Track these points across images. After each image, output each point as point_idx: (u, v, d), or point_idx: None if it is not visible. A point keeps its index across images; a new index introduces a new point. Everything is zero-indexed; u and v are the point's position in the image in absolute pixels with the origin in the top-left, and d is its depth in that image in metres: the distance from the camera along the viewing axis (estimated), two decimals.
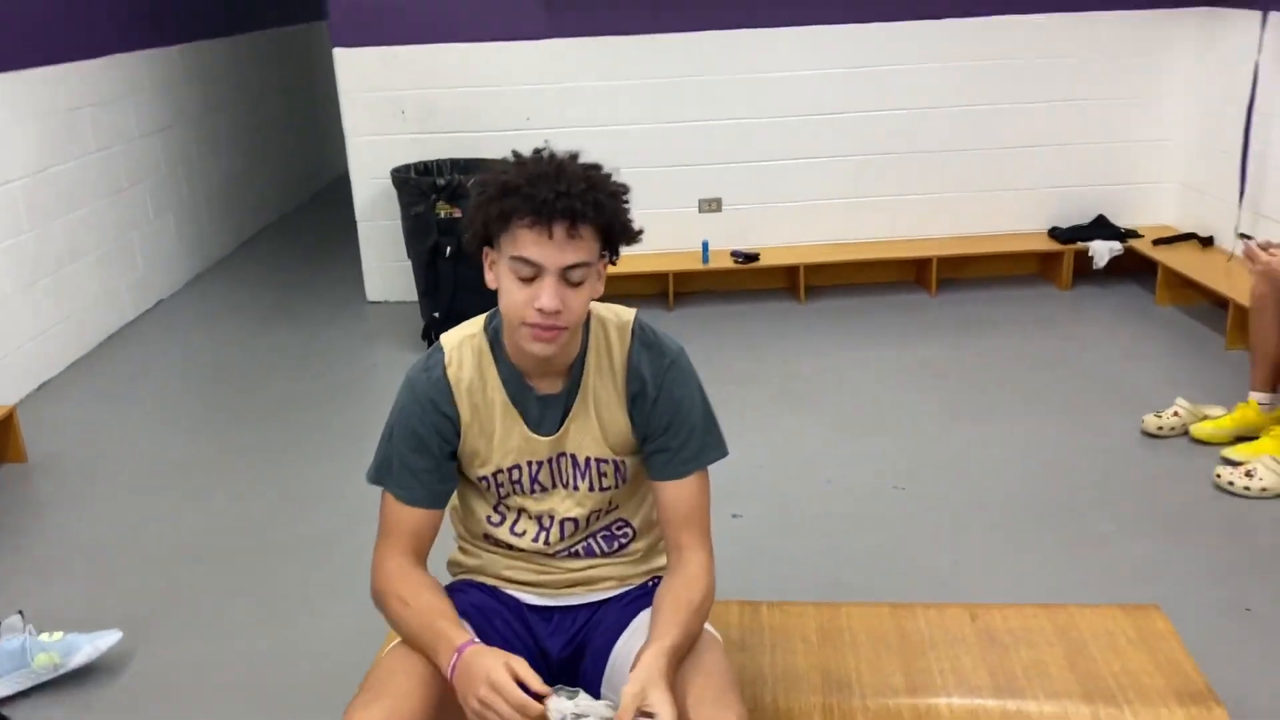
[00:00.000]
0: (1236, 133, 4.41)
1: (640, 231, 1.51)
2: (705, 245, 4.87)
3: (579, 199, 1.39)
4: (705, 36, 4.75)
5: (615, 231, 1.47)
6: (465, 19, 4.70)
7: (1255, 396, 3.32)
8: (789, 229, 5.03)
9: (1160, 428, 3.41)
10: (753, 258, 4.89)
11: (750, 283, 5.04)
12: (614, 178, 1.48)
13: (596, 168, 1.47)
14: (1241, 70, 4.36)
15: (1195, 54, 4.76)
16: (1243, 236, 4.44)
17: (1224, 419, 3.34)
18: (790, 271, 4.96)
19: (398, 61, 4.75)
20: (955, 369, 4.07)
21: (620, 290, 4.72)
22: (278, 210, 6.99)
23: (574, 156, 1.46)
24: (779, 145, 4.92)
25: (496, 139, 4.73)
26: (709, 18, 4.72)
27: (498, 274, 1.47)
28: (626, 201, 1.48)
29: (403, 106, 4.78)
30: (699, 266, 4.87)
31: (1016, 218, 5.07)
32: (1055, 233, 5.00)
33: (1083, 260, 4.86)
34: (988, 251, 4.96)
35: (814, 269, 4.92)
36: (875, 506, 3.07)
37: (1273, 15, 4.17)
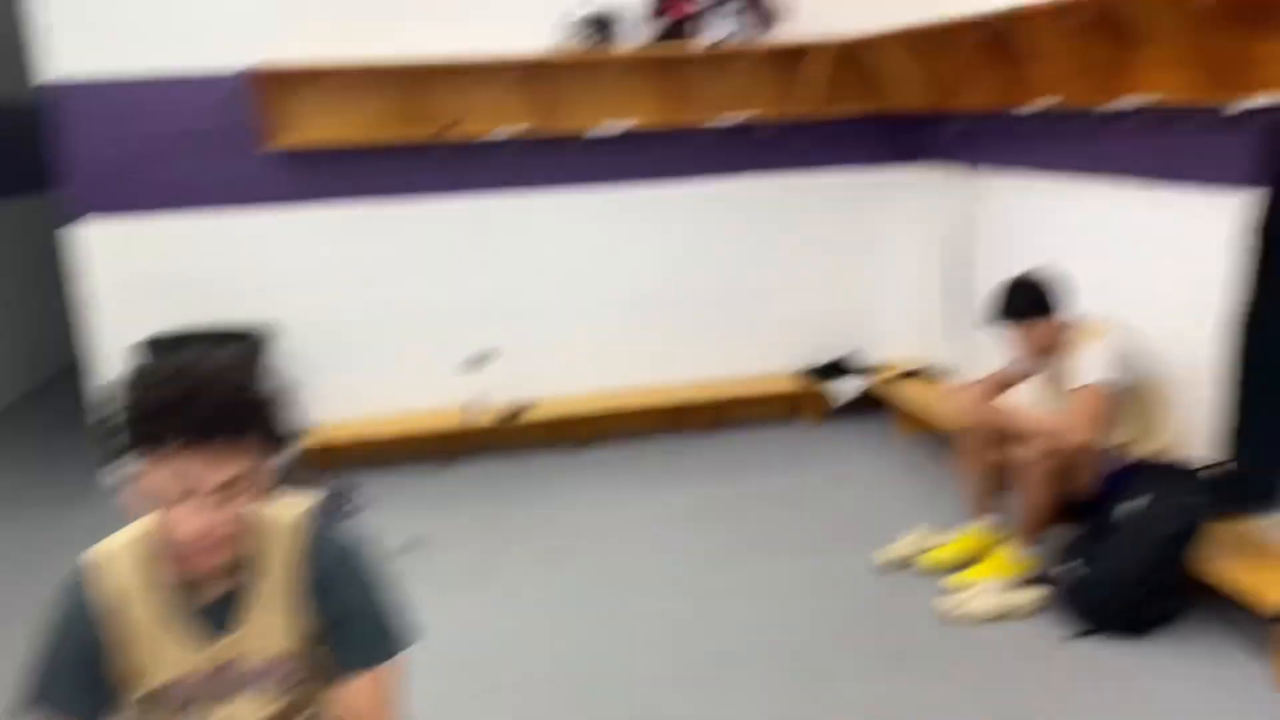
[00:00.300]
0: (954, 274, 4.86)
1: (300, 431, 1.50)
2: (476, 400, 4.88)
3: (228, 414, 1.37)
4: (465, 198, 4.87)
5: (271, 434, 1.45)
6: (211, 186, 4.63)
7: (975, 522, 3.57)
8: (561, 380, 5.12)
9: (895, 559, 3.59)
10: (524, 411, 4.93)
11: (524, 436, 5.05)
12: (269, 376, 1.47)
13: (249, 371, 1.45)
14: (956, 217, 4.84)
15: (914, 203, 5.24)
16: (899, 378, 4.87)
17: (950, 546, 3.56)
18: (562, 423, 5.02)
19: (140, 232, 4.60)
20: (711, 514, 4.18)
21: (393, 452, 4.67)
22: (2, 399, 6.40)
23: (222, 361, 1.44)
24: (546, 300, 5.05)
25: (248, 306, 4.64)
26: (466, 182, 4.85)
27: (148, 487, 1.41)
28: (281, 401, 1.47)
29: (147, 276, 4.62)
30: (472, 423, 4.86)
31: (772, 360, 5.35)
32: (806, 373, 5.30)
33: (832, 398, 5.17)
34: (746, 394, 5.20)
35: (584, 420, 5.01)
36: (626, 666, 3.07)
37: (968, 173, 4.67)
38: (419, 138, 4.66)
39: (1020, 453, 3.29)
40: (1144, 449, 3.30)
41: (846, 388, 5.15)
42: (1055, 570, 3.23)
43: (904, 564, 3.58)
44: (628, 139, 4.86)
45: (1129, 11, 3.04)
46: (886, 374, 5.20)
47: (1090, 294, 3.55)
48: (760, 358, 5.34)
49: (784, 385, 5.26)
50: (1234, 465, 2.97)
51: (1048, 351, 3.36)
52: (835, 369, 5.29)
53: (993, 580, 3.30)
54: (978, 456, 3.53)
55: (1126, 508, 3.10)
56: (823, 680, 2.92)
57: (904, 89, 4.71)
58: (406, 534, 4.02)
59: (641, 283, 5.13)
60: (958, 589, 3.33)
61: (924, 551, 3.58)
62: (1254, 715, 2.70)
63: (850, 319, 5.41)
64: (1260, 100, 2.80)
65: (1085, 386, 3.18)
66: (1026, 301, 3.32)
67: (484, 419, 4.87)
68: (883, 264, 5.38)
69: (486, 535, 4.06)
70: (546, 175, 4.93)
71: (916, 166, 5.17)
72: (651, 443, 5.05)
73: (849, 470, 4.61)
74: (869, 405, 5.17)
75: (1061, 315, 3.34)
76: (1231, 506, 3.04)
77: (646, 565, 3.75)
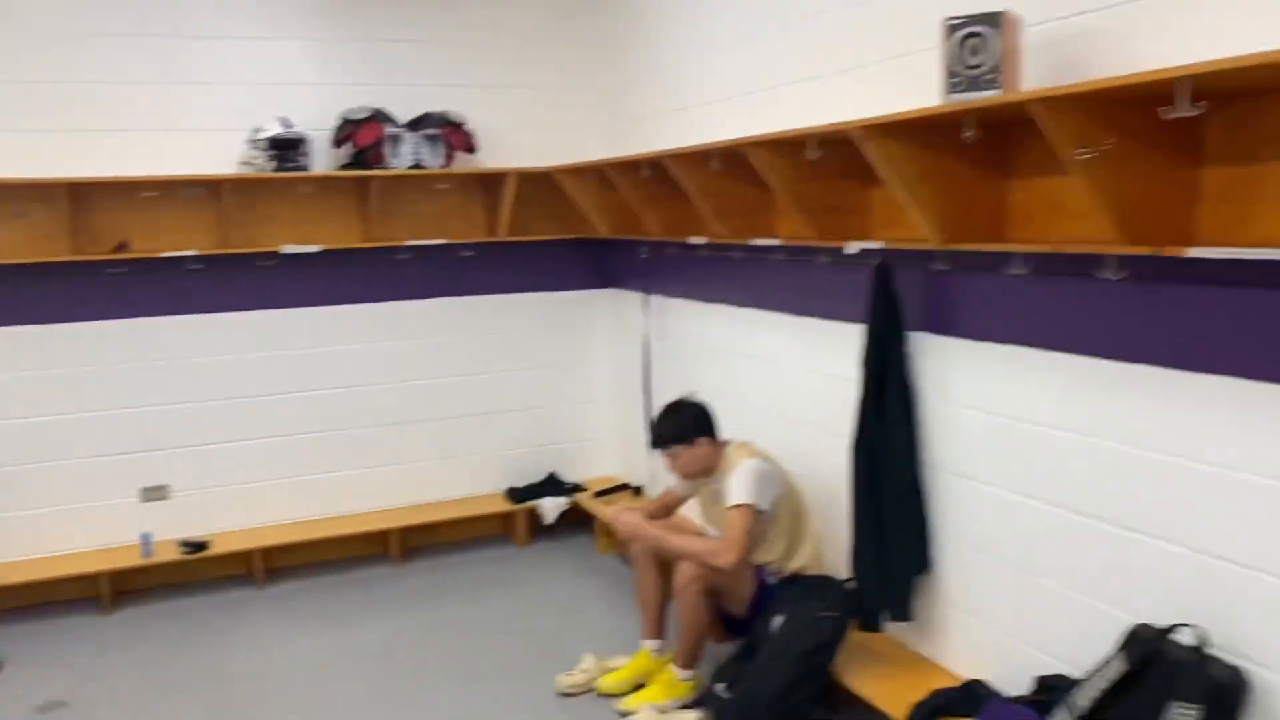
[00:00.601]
0: (645, 393, 5.03)
1: None
2: (147, 537, 4.56)
3: None
4: (140, 321, 4.61)
5: None
6: None
7: (646, 644, 3.62)
8: (246, 512, 4.87)
9: (575, 684, 3.59)
10: (201, 546, 4.64)
11: (205, 572, 4.75)
12: None
13: None
14: (638, 338, 5.03)
15: (610, 326, 5.43)
16: (601, 494, 5.02)
17: (624, 670, 3.59)
18: (246, 557, 4.75)
19: None
20: (405, 646, 4.05)
21: (49, 597, 4.29)
22: None
23: None
24: (227, 428, 4.81)
25: None
26: (142, 305, 4.60)
27: None
28: None
29: None
30: (140, 561, 4.52)
31: (477, 481, 5.32)
32: (512, 492, 5.29)
33: (539, 517, 5.17)
34: (449, 517, 5.11)
35: (273, 551, 4.78)
36: None
37: (652, 298, 4.89)
38: (88, 258, 4.40)
39: (676, 573, 3.39)
40: (793, 565, 3.47)
41: (552, 506, 5.18)
42: (709, 691, 3.32)
43: (583, 689, 3.58)
44: (321, 260, 4.79)
45: (754, 160, 3.30)
46: (589, 491, 5.27)
47: (746, 416, 3.76)
48: (467, 479, 5.29)
49: (491, 506, 5.23)
50: (857, 580, 3.18)
51: (702, 473, 3.51)
52: (543, 487, 5.31)
53: (657, 704, 3.35)
54: (645, 578, 3.61)
55: (769, 625, 3.23)
56: None
57: (594, 217, 4.90)
58: (48, 692, 3.66)
59: (337, 406, 5.00)
60: (626, 714, 3.36)
61: (601, 675, 3.60)
62: None
63: (559, 435, 5.47)
64: (861, 245, 3.10)
65: (735, 506, 3.33)
66: (677, 427, 3.48)
67: (157, 556, 4.55)
68: (585, 383, 5.50)
69: (145, 686, 3.75)
70: (232, 297, 4.76)
71: (611, 290, 5.37)
72: (348, 573, 4.87)
73: (548, 591, 4.60)
74: (578, 522, 5.21)
75: (712, 439, 3.50)
76: (862, 618, 3.23)
77: (322, 709, 3.56)
